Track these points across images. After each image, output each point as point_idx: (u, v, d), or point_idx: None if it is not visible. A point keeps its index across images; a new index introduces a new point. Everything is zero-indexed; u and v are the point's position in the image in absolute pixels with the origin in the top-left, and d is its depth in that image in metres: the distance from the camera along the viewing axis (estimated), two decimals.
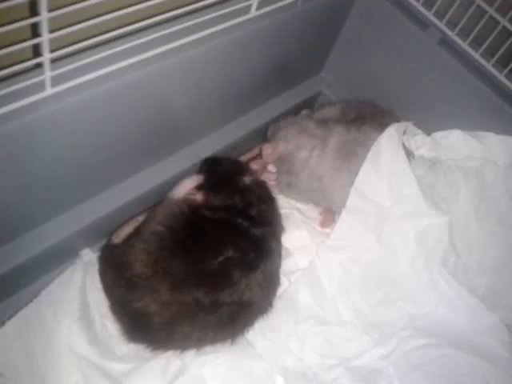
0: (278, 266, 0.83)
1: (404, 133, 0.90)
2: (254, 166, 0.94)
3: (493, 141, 0.83)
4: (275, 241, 0.83)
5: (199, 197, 0.83)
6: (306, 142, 0.91)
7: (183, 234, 0.76)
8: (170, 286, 0.71)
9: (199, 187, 0.85)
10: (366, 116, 0.95)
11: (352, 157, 0.88)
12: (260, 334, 0.80)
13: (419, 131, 0.91)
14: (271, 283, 0.80)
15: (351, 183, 0.87)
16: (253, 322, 0.79)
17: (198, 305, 0.71)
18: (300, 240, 0.92)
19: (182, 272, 0.72)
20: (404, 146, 0.88)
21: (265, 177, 0.96)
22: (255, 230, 0.79)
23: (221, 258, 0.74)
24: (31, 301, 0.75)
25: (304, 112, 1.03)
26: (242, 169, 0.91)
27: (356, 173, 0.87)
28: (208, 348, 0.77)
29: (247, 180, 0.88)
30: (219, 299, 0.72)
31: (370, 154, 0.86)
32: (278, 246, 0.83)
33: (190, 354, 0.77)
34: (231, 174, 0.88)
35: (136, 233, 0.78)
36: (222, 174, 0.88)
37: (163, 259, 0.73)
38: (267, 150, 0.92)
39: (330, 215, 0.96)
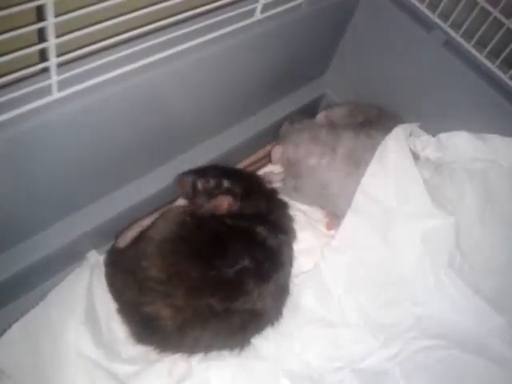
0: (289, 274, 0.83)
1: (410, 134, 0.90)
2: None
3: (498, 143, 0.84)
4: (289, 250, 0.83)
5: (235, 205, 0.83)
6: (315, 150, 0.91)
7: (197, 240, 0.76)
8: (185, 291, 0.71)
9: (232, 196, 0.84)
10: (373, 120, 0.95)
11: (361, 163, 0.88)
12: (265, 336, 0.80)
13: (424, 133, 0.91)
14: (282, 293, 0.81)
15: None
16: (262, 331, 0.79)
17: (211, 311, 0.72)
18: (305, 242, 0.91)
19: (197, 278, 0.72)
20: (410, 148, 0.88)
21: (274, 174, 0.96)
22: (272, 240, 0.79)
23: (237, 267, 0.74)
24: (38, 303, 0.75)
25: (319, 116, 1.01)
26: (261, 177, 0.92)
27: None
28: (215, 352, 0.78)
29: (268, 187, 0.89)
30: (232, 307, 0.73)
31: (377, 154, 0.86)
32: (291, 255, 0.83)
33: (197, 357, 0.77)
34: (259, 181, 0.90)
35: (146, 237, 0.78)
36: (251, 181, 0.89)
37: (179, 264, 0.73)
38: (277, 152, 0.92)
39: (335, 217, 0.96)
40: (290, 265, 0.83)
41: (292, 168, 0.93)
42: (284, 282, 0.81)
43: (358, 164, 0.89)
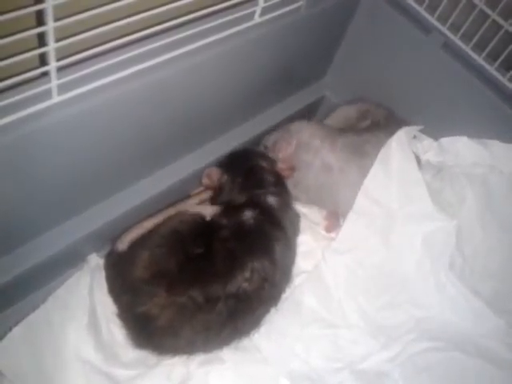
0: (284, 253, 0.81)
1: (413, 137, 0.90)
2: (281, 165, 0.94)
3: (498, 148, 0.85)
4: (274, 228, 0.81)
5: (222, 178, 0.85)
6: (318, 132, 0.92)
7: (188, 244, 0.77)
8: (165, 287, 0.72)
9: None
10: (381, 124, 0.95)
11: (362, 153, 0.89)
12: (265, 337, 0.80)
13: (426, 137, 0.92)
14: (273, 271, 0.77)
15: (359, 183, 0.87)
16: (258, 316, 0.78)
17: (194, 304, 0.72)
18: (304, 244, 0.92)
19: (175, 272, 0.73)
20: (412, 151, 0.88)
21: None
22: (244, 217, 0.80)
23: (207, 253, 0.76)
24: (38, 306, 0.75)
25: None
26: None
27: (365, 171, 0.87)
28: (214, 352, 0.78)
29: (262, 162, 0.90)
30: (213, 294, 0.72)
31: (380, 156, 0.86)
32: (280, 233, 0.81)
33: (196, 361, 0.77)
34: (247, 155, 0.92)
35: (144, 238, 0.79)
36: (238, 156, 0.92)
37: (160, 262, 0.75)
38: (283, 144, 0.92)
39: (335, 220, 0.96)
40: (286, 249, 0.81)
41: (296, 156, 0.93)
42: (278, 261, 0.78)
43: (358, 153, 0.89)
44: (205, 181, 0.89)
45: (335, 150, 0.91)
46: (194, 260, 0.75)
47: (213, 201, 0.88)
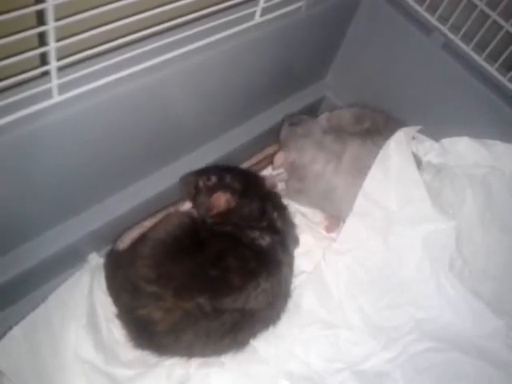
0: (288, 276, 0.82)
1: (413, 138, 0.90)
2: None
3: (500, 149, 0.85)
4: (283, 251, 0.82)
5: (232, 202, 0.83)
6: (321, 157, 0.90)
7: (187, 242, 0.77)
8: (173, 291, 0.71)
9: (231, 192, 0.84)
10: (381, 127, 0.95)
11: (366, 170, 0.88)
12: (265, 338, 0.80)
13: (427, 139, 0.92)
14: (278, 294, 0.79)
15: None
16: (257, 332, 0.79)
17: (201, 311, 0.72)
18: (304, 244, 0.91)
19: (184, 276, 0.73)
20: (412, 151, 0.88)
21: (278, 175, 0.96)
22: (261, 241, 0.79)
23: (220, 265, 0.75)
24: (39, 305, 0.75)
25: (322, 116, 0.99)
26: (263, 178, 0.92)
27: None
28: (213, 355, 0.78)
29: (268, 188, 0.89)
30: (221, 306, 0.72)
31: (379, 157, 0.86)
32: (287, 257, 0.82)
33: (196, 362, 0.77)
34: (261, 181, 0.90)
35: (143, 238, 0.79)
36: (252, 180, 0.89)
37: (167, 264, 0.74)
38: (279, 159, 0.92)
39: (335, 220, 0.96)
40: (288, 266, 0.82)
41: (296, 172, 0.93)
42: (280, 283, 0.79)
43: (363, 171, 0.88)
44: (217, 206, 0.84)
45: (339, 174, 0.89)
46: (203, 267, 0.75)
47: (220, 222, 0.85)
